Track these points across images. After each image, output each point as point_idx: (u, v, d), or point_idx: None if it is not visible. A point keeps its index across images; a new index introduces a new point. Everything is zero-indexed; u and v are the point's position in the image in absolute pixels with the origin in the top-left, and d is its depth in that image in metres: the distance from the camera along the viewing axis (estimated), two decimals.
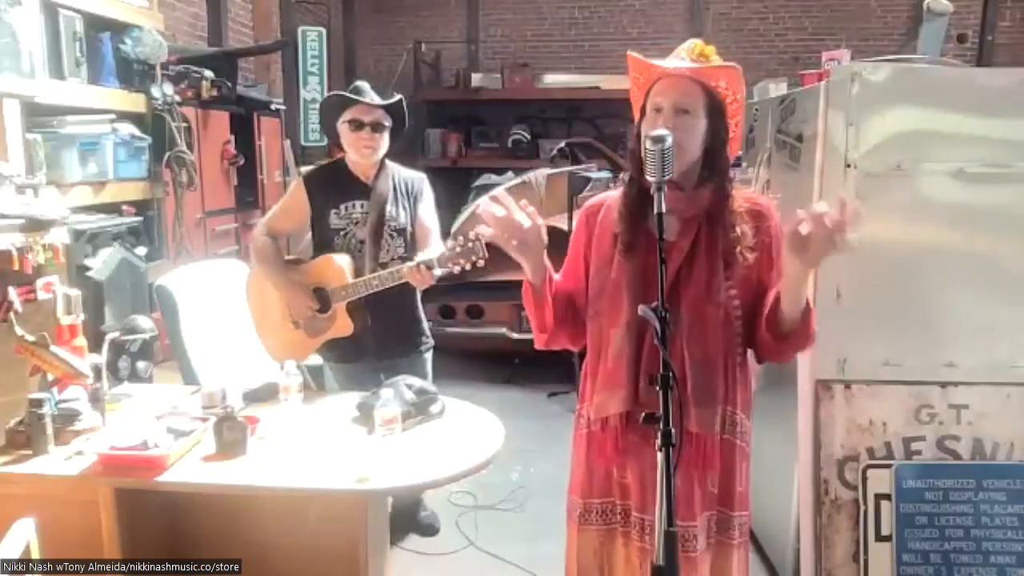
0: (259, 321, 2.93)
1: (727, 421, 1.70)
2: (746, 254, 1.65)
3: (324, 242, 2.83)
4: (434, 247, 2.73)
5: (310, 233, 2.94)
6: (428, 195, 2.93)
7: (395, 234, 2.82)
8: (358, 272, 2.75)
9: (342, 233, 2.80)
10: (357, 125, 2.74)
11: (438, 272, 2.50)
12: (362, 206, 2.80)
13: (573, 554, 1.84)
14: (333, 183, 2.84)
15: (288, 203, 2.92)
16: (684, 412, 1.61)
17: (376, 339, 2.81)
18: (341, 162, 2.88)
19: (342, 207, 2.80)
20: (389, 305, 2.76)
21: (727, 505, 1.74)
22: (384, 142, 2.80)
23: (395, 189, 2.86)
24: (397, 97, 2.85)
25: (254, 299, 2.94)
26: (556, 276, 1.80)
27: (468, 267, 2.42)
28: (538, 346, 1.84)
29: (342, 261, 2.74)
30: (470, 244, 2.39)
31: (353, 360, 2.86)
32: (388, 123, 2.80)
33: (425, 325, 3.02)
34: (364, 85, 2.82)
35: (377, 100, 2.78)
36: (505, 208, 1.61)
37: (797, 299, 1.58)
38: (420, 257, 2.59)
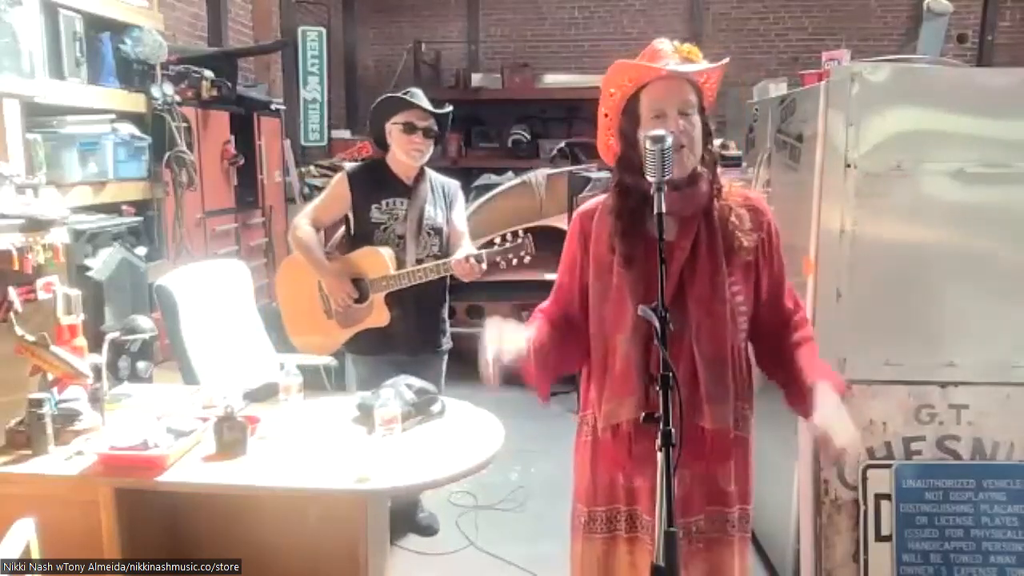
0: (289, 311, 3.05)
1: (739, 417, 1.71)
2: (744, 240, 1.66)
3: (363, 235, 2.93)
4: (464, 248, 2.89)
5: (342, 228, 3.05)
6: (461, 201, 3.10)
7: (432, 232, 2.94)
8: (400, 265, 2.85)
9: (382, 227, 2.91)
10: (411, 128, 2.85)
11: (485, 266, 2.67)
12: (402, 203, 2.91)
13: (577, 562, 1.84)
14: (375, 180, 2.96)
15: (330, 195, 3.02)
16: (697, 409, 1.62)
17: (406, 334, 2.90)
18: (382, 161, 2.99)
19: (383, 202, 2.91)
20: (422, 301, 2.90)
21: (744, 500, 1.76)
22: (431, 147, 2.93)
23: (432, 192, 2.99)
24: (449, 108, 2.99)
25: (285, 289, 3.07)
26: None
27: (515, 262, 2.65)
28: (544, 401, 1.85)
29: (385, 253, 2.85)
30: (519, 240, 2.64)
31: (378, 353, 2.92)
32: (436, 130, 2.92)
33: (448, 326, 3.11)
34: (419, 92, 2.94)
35: (432, 108, 2.89)
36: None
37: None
38: (467, 251, 2.76)
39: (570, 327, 1.79)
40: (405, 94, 2.90)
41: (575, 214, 1.85)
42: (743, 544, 1.79)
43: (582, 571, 1.83)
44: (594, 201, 1.82)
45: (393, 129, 2.87)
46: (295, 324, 3.05)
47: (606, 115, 1.74)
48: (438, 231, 2.96)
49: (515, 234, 2.67)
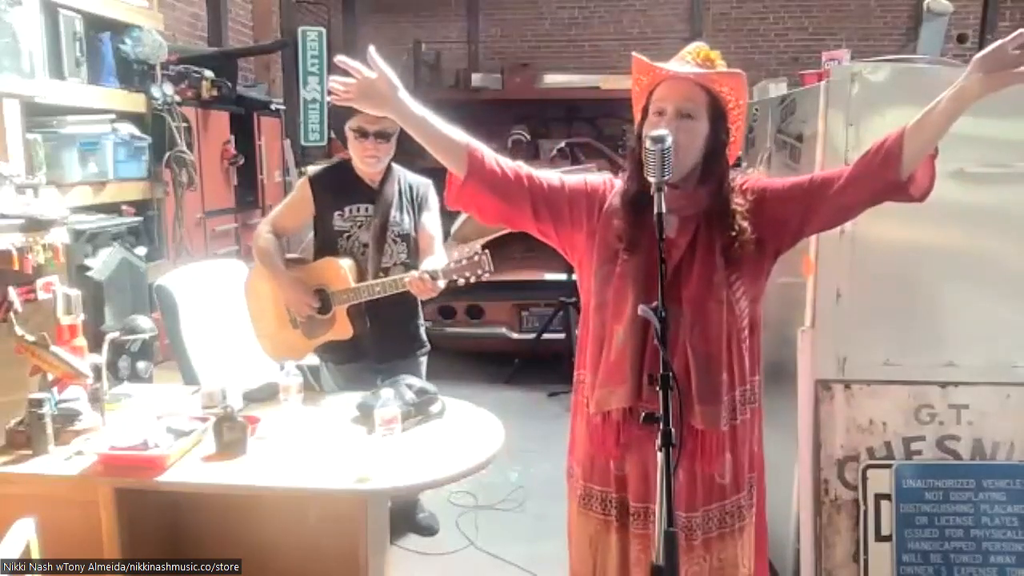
0: (257, 320, 2.93)
1: (737, 405, 1.70)
2: (747, 247, 1.66)
3: (327, 243, 2.81)
4: (437, 254, 2.75)
5: (312, 233, 2.93)
6: (433, 201, 2.90)
7: (398, 239, 2.81)
8: (361, 276, 2.74)
9: (345, 235, 2.79)
10: (362, 133, 2.72)
11: (441, 284, 2.51)
12: (367, 209, 2.79)
13: (573, 531, 1.86)
14: (338, 184, 2.83)
15: (293, 202, 2.91)
16: (688, 408, 1.62)
17: (375, 343, 2.80)
18: (347, 163, 2.85)
19: (346, 209, 2.79)
20: (388, 310, 2.75)
21: (738, 484, 1.75)
22: (389, 150, 2.78)
23: (400, 194, 2.85)
24: None
25: (253, 297, 2.94)
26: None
27: (472, 280, 2.47)
28: (451, 193, 1.77)
29: (345, 264, 2.73)
30: (476, 258, 2.44)
31: (351, 361, 2.85)
32: (395, 130, 2.75)
33: (423, 330, 3.01)
34: None
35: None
36: (352, 72, 1.63)
37: (937, 133, 1.59)
38: (425, 266, 2.59)
39: (508, 186, 1.73)
40: None
41: (605, 177, 1.83)
42: (755, 519, 1.79)
43: (576, 545, 1.85)
44: (618, 181, 1.80)
45: (349, 135, 2.75)
46: (263, 332, 2.92)
47: (636, 112, 1.76)
48: (405, 237, 2.82)
49: (473, 250, 2.49)
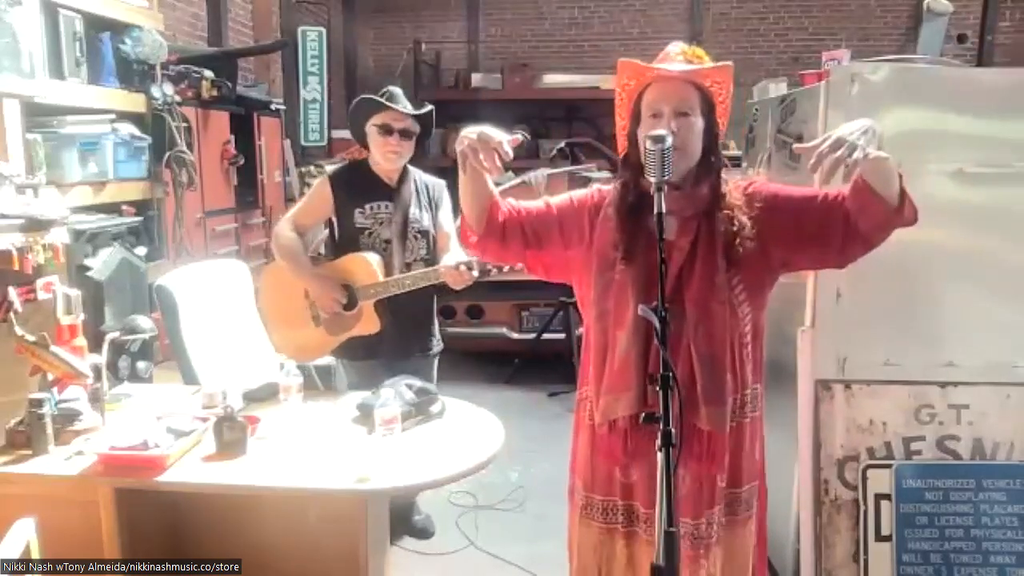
0: (274, 319, 2.98)
1: (737, 408, 1.70)
2: (747, 244, 1.66)
3: (348, 240, 2.87)
4: (454, 251, 2.81)
5: (325, 232, 2.99)
6: (447, 201, 2.99)
7: (419, 236, 2.89)
8: (387, 271, 2.80)
9: (367, 232, 2.85)
10: (387, 130, 2.79)
11: (476, 273, 2.59)
12: (387, 207, 2.86)
13: (575, 541, 1.86)
14: (357, 183, 2.90)
15: (312, 200, 2.97)
16: (694, 410, 1.62)
17: (394, 339, 2.85)
18: (364, 163, 2.93)
19: (367, 207, 2.85)
20: (409, 306, 2.83)
21: (735, 483, 1.75)
22: (410, 148, 2.86)
23: (417, 192, 2.92)
24: (428, 108, 2.91)
25: (270, 296, 3.00)
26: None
27: (507, 268, 2.53)
28: (472, 241, 1.83)
29: (373, 259, 2.79)
30: None
31: (367, 358, 2.89)
32: (416, 130, 2.86)
33: (437, 328, 3.07)
34: (398, 91, 2.87)
35: (409, 109, 2.83)
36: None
37: (886, 185, 1.63)
38: (458, 258, 2.67)
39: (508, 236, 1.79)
40: (383, 94, 2.83)
41: (592, 190, 1.84)
42: (751, 523, 1.78)
43: (579, 555, 1.84)
44: (608, 188, 1.82)
45: (371, 131, 2.81)
46: (281, 332, 2.97)
47: (620, 117, 1.77)
48: (425, 234, 2.90)
49: None
